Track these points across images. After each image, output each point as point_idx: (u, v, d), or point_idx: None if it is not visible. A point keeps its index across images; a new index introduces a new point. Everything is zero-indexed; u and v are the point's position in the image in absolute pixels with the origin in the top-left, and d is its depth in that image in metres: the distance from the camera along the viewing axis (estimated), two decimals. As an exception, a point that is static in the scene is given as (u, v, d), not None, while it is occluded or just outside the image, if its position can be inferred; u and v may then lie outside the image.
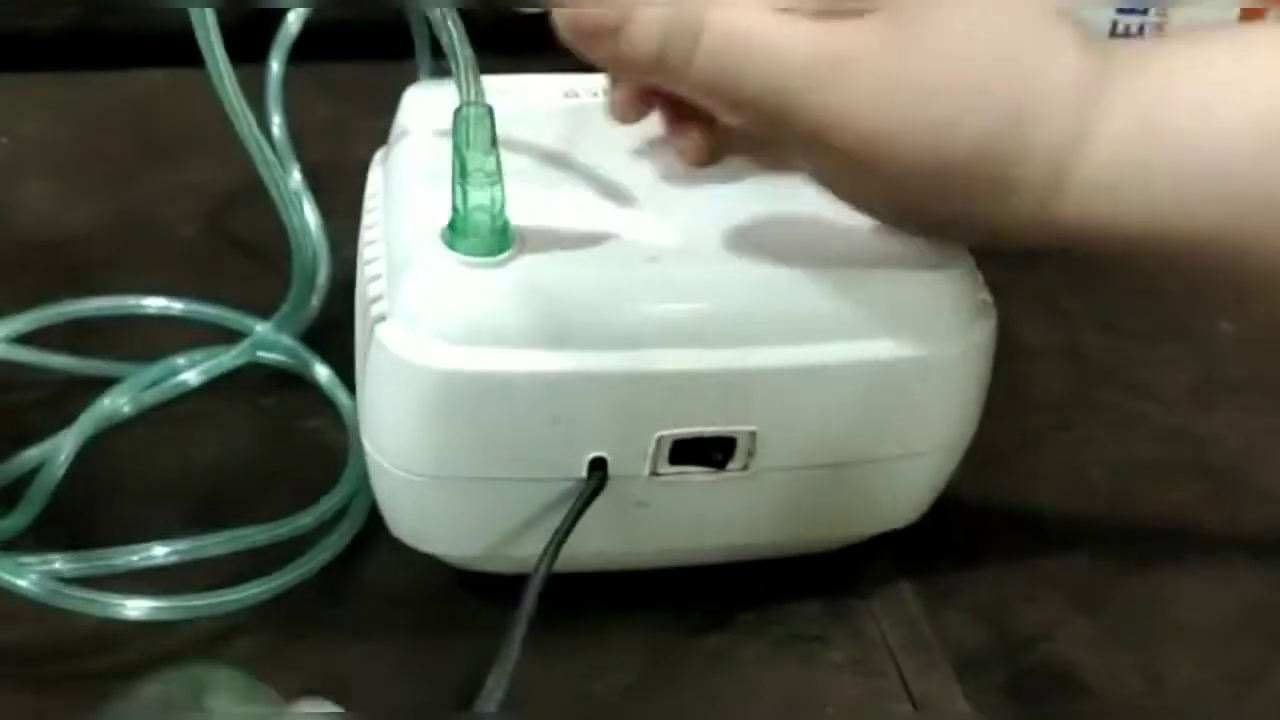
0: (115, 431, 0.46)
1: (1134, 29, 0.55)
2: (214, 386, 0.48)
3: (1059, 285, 0.58)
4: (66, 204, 0.59)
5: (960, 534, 0.44)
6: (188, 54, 0.67)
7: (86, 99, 0.67)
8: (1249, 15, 0.55)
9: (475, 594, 0.40)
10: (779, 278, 0.36)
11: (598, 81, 0.42)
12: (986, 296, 0.39)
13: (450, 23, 0.32)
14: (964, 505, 0.45)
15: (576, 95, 0.42)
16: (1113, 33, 0.55)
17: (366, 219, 0.40)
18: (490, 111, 0.33)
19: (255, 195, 0.55)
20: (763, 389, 0.36)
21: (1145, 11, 0.55)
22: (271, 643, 0.40)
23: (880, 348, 0.36)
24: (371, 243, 0.38)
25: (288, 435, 0.47)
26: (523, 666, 0.34)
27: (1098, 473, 0.48)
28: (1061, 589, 0.43)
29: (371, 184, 0.41)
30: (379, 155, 0.42)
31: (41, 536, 0.40)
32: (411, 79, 0.45)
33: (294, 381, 0.49)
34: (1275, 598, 0.43)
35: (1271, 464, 0.48)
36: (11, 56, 0.67)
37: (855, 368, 0.36)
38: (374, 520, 0.40)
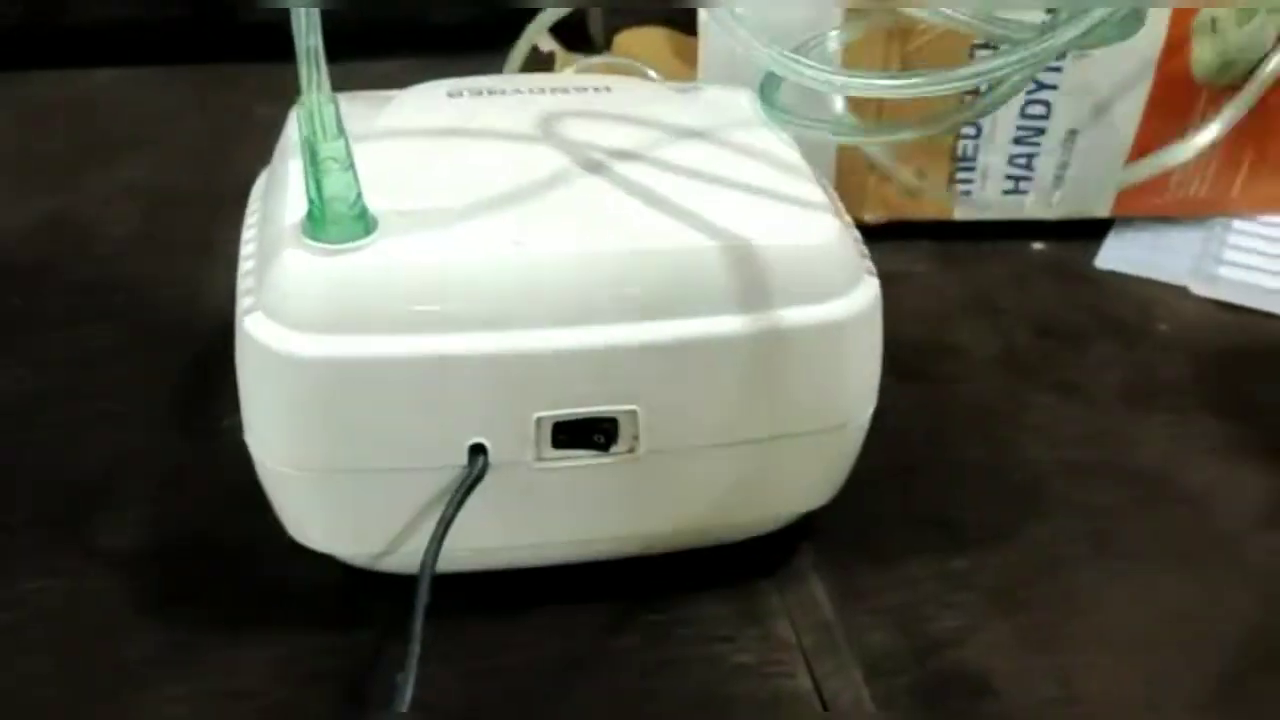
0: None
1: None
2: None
3: (994, 284, 0.58)
4: (1, 204, 0.59)
5: (878, 534, 0.44)
6: (132, 54, 0.67)
7: (27, 99, 0.67)
8: (1182, 18, 0.55)
9: (368, 591, 0.40)
10: (649, 253, 0.35)
11: (487, 81, 0.43)
12: (869, 264, 0.39)
13: (305, 19, 0.32)
14: (883, 505, 0.44)
15: (461, 95, 0.42)
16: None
17: (245, 224, 0.40)
18: (334, 99, 0.33)
19: (191, 197, 0.55)
20: (638, 367, 0.35)
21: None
22: (171, 640, 0.39)
23: (758, 320, 0.36)
24: (247, 243, 0.38)
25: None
26: (420, 668, 0.34)
27: (1021, 474, 0.47)
28: (977, 592, 0.42)
29: (252, 197, 0.42)
30: (264, 172, 0.43)
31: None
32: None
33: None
34: (1193, 605, 0.42)
35: (1195, 467, 0.48)
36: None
37: (733, 341, 0.36)
38: (274, 520, 0.40)
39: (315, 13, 0.31)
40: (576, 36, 0.73)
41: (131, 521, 0.43)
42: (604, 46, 0.72)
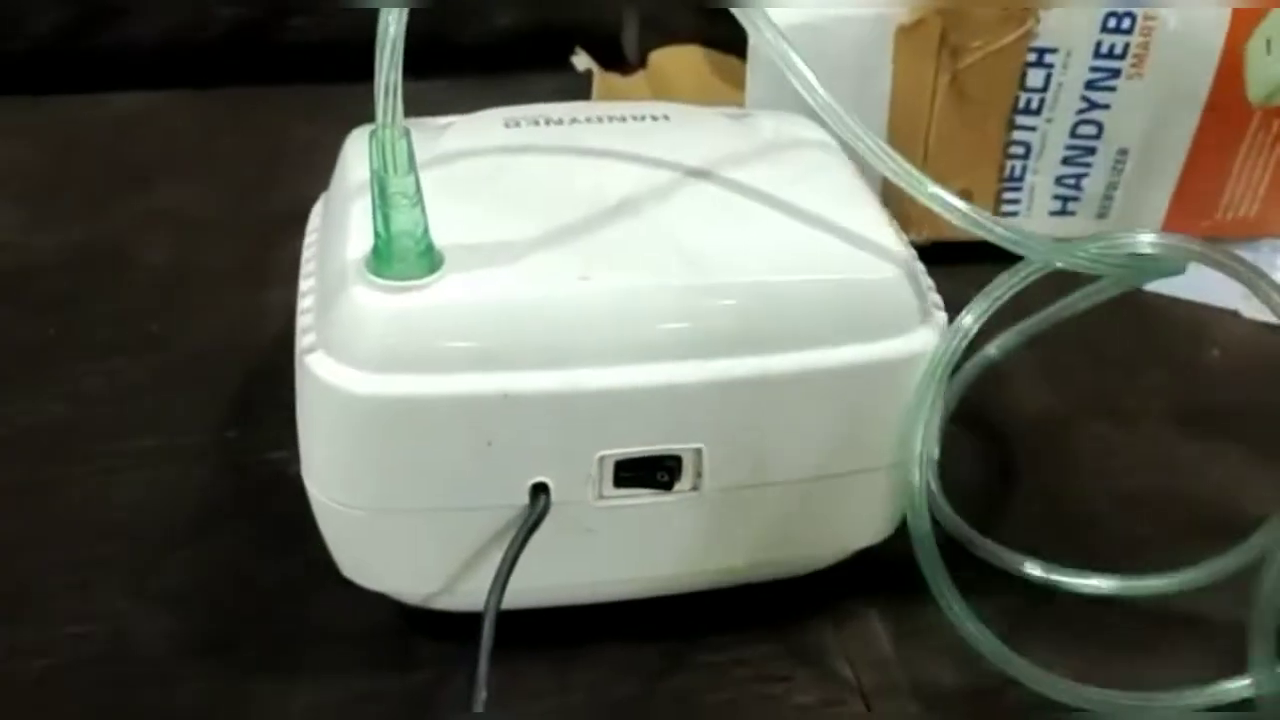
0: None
1: (1118, 49, 0.54)
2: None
3: (1041, 307, 0.57)
4: (33, 230, 0.59)
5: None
6: (164, 76, 0.67)
7: (60, 122, 0.66)
8: (1241, 18, 0.54)
9: (420, 631, 0.40)
10: (716, 290, 0.35)
11: (543, 110, 0.42)
12: (936, 298, 0.38)
13: (390, 41, 0.31)
14: (940, 539, 0.43)
15: (518, 124, 0.41)
16: (1096, 53, 0.54)
17: (304, 255, 0.39)
18: (407, 133, 0.32)
19: (229, 222, 0.54)
20: (704, 405, 0.35)
21: (1130, 30, 0.53)
22: (218, 685, 0.39)
23: (824, 356, 0.35)
24: (306, 277, 0.38)
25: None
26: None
27: (1079, 504, 0.46)
28: (1038, 628, 0.41)
29: (311, 225, 0.41)
30: (321, 199, 0.42)
31: None
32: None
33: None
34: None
35: (1252, 497, 0.46)
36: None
37: (800, 379, 0.35)
38: (321, 558, 0.39)
39: (400, 46, 0.31)
40: (611, 54, 0.72)
41: (173, 561, 0.42)
42: (639, 64, 0.72)
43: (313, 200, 0.44)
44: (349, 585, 0.38)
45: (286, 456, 0.45)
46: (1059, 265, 0.37)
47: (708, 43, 0.70)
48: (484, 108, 0.44)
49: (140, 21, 0.68)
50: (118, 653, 0.39)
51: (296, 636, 0.40)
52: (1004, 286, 0.37)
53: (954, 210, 0.36)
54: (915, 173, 0.35)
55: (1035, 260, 0.37)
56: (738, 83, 0.58)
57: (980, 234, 0.36)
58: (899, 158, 0.35)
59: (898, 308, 0.36)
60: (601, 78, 0.70)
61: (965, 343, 0.37)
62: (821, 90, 0.35)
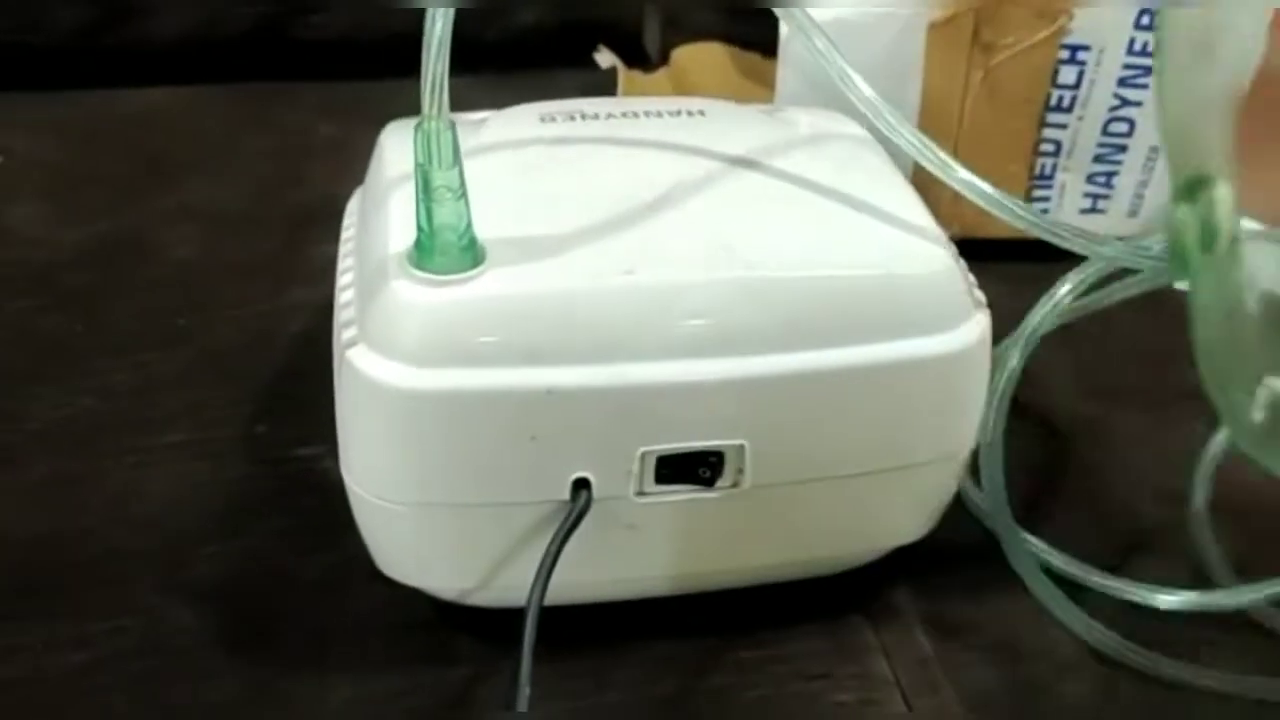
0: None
1: (1151, 46, 0.53)
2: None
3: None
4: (59, 225, 0.58)
5: (973, 566, 0.43)
6: (187, 72, 0.66)
7: (83, 117, 0.66)
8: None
9: (456, 627, 0.39)
10: (759, 285, 0.34)
11: (577, 105, 0.42)
12: (979, 295, 0.38)
13: (437, 36, 0.30)
14: (978, 538, 0.43)
15: (554, 120, 0.41)
16: (1129, 50, 0.54)
17: (341, 250, 0.39)
18: (453, 126, 0.32)
19: (254, 217, 0.53)
20: (747, 400, 0.34)
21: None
22: (254, 680, 0.38)
23: (868, 353, 0.35)
24: (345, 271, 0.37)
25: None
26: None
27: (1117, 507, 0.46)
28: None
29: (348, 218, 0.41)
30: (357, 193, 0.42)
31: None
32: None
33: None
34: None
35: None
36: (6, 73, 0.66)
37: (843, 374, 0.35)
38: (354, 553, 0.39)
39: (447, 38, 0.30)
40: (633, 52, 0.72)
41: (206, 556, 0.42)
42: (660, 62, 0.71)
43: (335, 195, 0.44)
44: (383, 580, 0.38)
45: (317, 452, 0.45)
46: (1124, 265, 0.36)
47: (730, 40, 0.69)
48: (509, 104, 0.44)
49: (162, 18, 0.68)
50: (152, 647, 0.39)
51: (332, 631, 0.40)
52: (1068, 285, 0.38)
53: (1006, 209, 0.35)
54: (975, 180, 0.35)
55: (1100, 262, 0.36)
56: (760, 79, 0.58)
57: (1039, 235, 0.35)
58: (947, 156, 0.35)
59: (944, 303, 0.36)
60: (627, 74, 0.70)
61: (1033, 346, 0.37)
62: (887, 112, 0.35)
